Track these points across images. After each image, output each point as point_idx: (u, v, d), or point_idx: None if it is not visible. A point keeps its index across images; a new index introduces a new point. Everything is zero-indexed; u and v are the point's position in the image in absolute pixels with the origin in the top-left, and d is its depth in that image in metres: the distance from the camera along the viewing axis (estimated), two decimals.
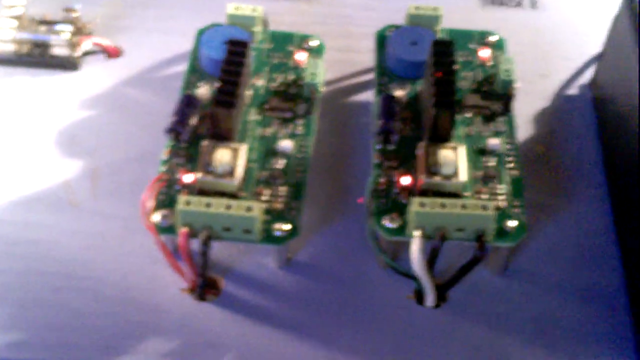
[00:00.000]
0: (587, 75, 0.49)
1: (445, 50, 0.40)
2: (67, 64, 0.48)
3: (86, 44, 0.48)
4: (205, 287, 0.39)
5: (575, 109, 0.47)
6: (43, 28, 0.48)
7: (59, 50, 0.48)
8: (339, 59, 0.49)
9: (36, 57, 0.48)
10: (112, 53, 0.49)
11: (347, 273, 0.40)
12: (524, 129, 0.46)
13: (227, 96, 0.39)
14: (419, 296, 0.39)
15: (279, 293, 0.39)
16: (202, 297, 0.39)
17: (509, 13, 0.53)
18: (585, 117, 0.47)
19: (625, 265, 0.40)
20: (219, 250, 0.40)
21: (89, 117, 0.46)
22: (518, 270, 0.41)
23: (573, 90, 0.48)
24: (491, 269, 0.40)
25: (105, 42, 0.49)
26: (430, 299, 0.38)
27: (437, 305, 0.39)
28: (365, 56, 0.48)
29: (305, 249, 0.41)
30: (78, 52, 0.48)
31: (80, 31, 0.49)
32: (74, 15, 0.48)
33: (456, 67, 0.40)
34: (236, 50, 0.41)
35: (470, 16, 0.52)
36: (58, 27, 0.48)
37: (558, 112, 0.47)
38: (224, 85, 0.40)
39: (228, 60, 0.41)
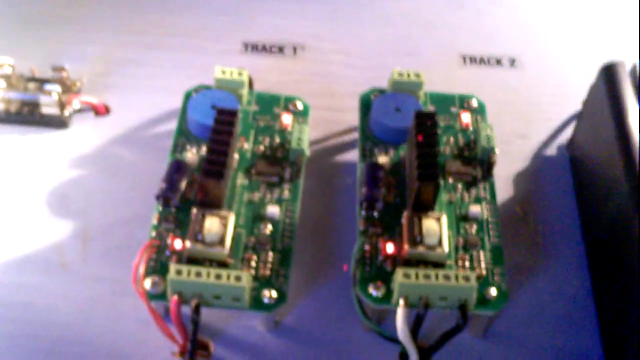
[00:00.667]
0: (565, 135, 0.51)
1: (428, 122, 0.42)
2: (57, 123, 0.49)
3: (75, 103, 0.49)
4: (195, 351, 0.40)
5: (553, 169, 0.49)
6: (32, 85, 0.49)
7: (48, 109, 0.48)
8: (324, 118, 0.50)
9: (25, 115, 0.49)
10: (101, 111, 0.50)
11: (334, 337, 0.41)
12: (502, 190, 0.47)
13: (216, 166, 0.40)
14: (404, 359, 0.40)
15: (267, 356, 0.40)
16: None
17: (488, 72, 0.55)
18: (563, 177, 0.48)
19: (601, 329, 0.42)
20: (209, 314, 0.41)
21: (79, 176, 0.47)
22: (498, 333, 0.42)
23: (551, 151, 0.50)
24: (472, 332, 0.41)
25: (93, 100, 0.50)
26: None
27: None
28: (349, 115, 0.49)
29: (292, 312, 0.42)
30: (67, 111, 0.49)
31: (69, 89, 0.50)
32: (63, 74, 0.49)
33: (438, 132, 0.41)
34: (224, 119, 0.42)
35: (450, 74, 0.54)
36: (47, 86, 0.48)
37: (536, 173, 0.49)
38: (213, 155, 0.41)
39: (216, 130, 0.42)
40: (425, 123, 0.42)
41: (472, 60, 0.55)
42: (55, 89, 0.48)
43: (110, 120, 0.50)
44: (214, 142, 0.41)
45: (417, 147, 0.41)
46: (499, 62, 0.55)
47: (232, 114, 0.42)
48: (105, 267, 0.43)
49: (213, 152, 0.41)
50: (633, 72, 0.44)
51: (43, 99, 0.48)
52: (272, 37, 0.56)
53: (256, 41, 0.55)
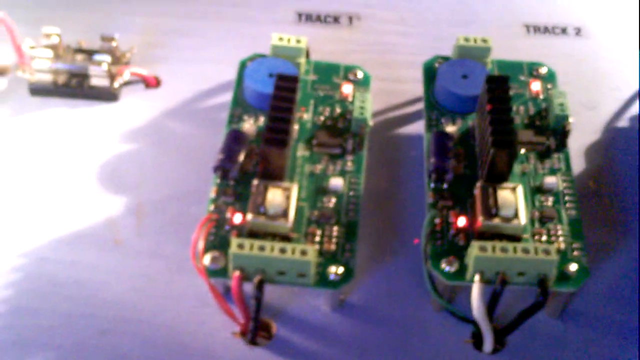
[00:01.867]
0: (637, 106, 0.48)
1: (501, 87, 0.39)
2: (107, 95, 0.47)
3: (125, 74, 0.47)
4: (257, 331, 0.38)
5: (625, 142, 0.46)
6: (80, 57, 0.47)
7: (98, 81, 0.47)
8: (384, 88, 0.48)
9: (74, 87, 0.47)
10: (151, 83, 0.48)
11: (402, 316, 0.39)
12: (573, 165, 0.45)
13: (278, 134, 0.38)
14: (477, 340, 0.38)
15: (332, 337, 0.38)
16: (253, 342, 0.38)
17: (553, 41, 0.52)
18: (636, 150, 0.46)
19: None
20: (270, 292, 0.39)
21: (131, 150, 0.45)
22: (577, 313, 0.40)
23: (622, 123, 0.47)
24: (549, 311, 0.39)
25: (144, 72, 0.48)
26: (488, 344, 0.37)
27: (496, 350, 0.38)
28: (410, 86, 0.47)
29: (358, 290, 0.40)
30: (117, 83, 0.47)
31: (118, 61, 0.48)
32: (112, 44, 0.47)
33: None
34: (285, 85, 0.40)
35: (514, 44, 0.52)
36: (97, 57, 0.46)
37: (607, 146, 0.46)
38: (275, 123, 0.39)
39: (278, 96, 0.40)
40: (498, 88, 0.39)
41: (536, 29, 0.53)
42: (104, 59, 0.46)
43: (161, 92, 0.48)
44: (275, 109, 0.39)
45: (490, 113, 0.39)
46: (564, 31, 0.53)
47: (294, 80, 0.40)
48: (160, 243, 0.41)
49: (275, 119, 0.39)
50: None
51: (92, 70, 0.46)
52: (326, 7, 0.53)
53: (310, 10, 0.53)
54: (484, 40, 0.44)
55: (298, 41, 0.45)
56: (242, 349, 0.38)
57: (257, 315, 0.37)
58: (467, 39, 0.44)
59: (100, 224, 0.42)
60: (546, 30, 0.53)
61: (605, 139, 0.47)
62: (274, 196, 0.38)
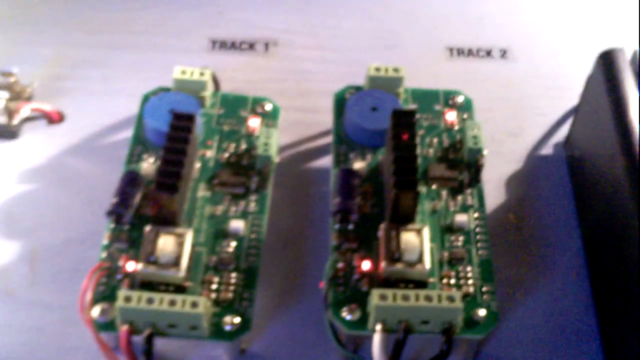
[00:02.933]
0: (562, 132, 0.46)
1: (406, 122, 0.37)
2: (5, 133, 0.45)
3: (25, 110, 0.45)
4: None
5: (549, 170, 0.44)
6: None
7: None
8: (297, 119, 0.46)
9: None
10: (54, 118, 0.46)
11: None
12: (493, 195, 0.43)
13: (169, 179, 0.36)
14: None
15: None
16: None
17: (477, 64, 0.50)
18: (560, 179, 0.44)
19: (604, 348, 0.37)
20: (168, 343, 0.37)
21: (29, 191, 0.43)
22: (490, 356, 0.38)
23: (546, 150, 0.45)
24: (461, 356, 0.37)
25: (46, 106, 0.46)
26: None
27: None
28: (325, 116, 0.45)
29: (260, 339, 0.38)
30: (16, 120, 0.45)
31: (18, 96, 0.45)
32: (11, 80, 0.45)
33: (421, 132, 0.37)
34: (180, 125, 0.38)
35: (435, 68, 0.49)
36: None
37: (530, 175, 0.44)
38: (166, 166, 0.37)
39: (171, 137, 0.37)
40: (404, 123, 0.37)
41: (460, 52, 0.51)
42: (1, 95, 0.44)
43: (64, 128, 0.46)
44: (168, 151, 0.37)
45: (393, 151, 0.37)
46: (489, 53, 0.51)
47: (189, 118, 0.38)
48: (54, 292, 0.39)
49: (167, 162, 0.37)
50: (634, 59, 0.40)
51: None
52: (241, 33, 0.51)
53: (224, 37, 0.51)
54: (396, 70, 0.42)
55: (201, 74, 0.42)
56: None
57: None
58: (377, 69, 0.42)
59: None
60: (470, 53, 0.51)
61: (528, 167, 0.45)
62: (166, 244, 0.36)
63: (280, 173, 0.42)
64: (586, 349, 0.38)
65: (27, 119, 0.45)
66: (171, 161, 0.37)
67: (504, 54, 0.51)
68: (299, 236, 0.41)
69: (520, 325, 0.39)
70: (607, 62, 0.39)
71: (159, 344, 0.35)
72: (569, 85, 0.48)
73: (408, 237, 0.36)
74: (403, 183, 0.36)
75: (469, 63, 0.50)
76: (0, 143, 0.45)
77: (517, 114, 0.47)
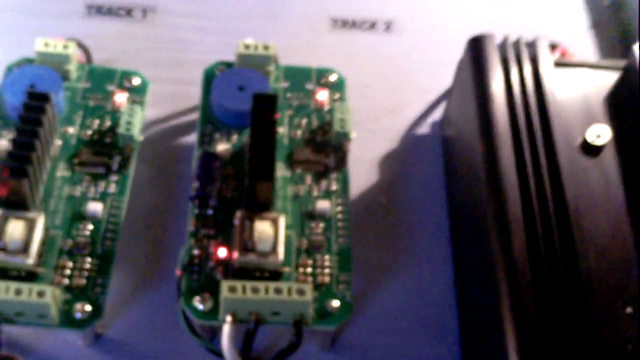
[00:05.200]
0: (440, 112, 0.46)
1: (266, 106, 0.37)
2: None
3: None
4: None
5: (425, 151, 0.44)
6: None
7: None
8: (170, 92, 0.45)
9: None
10: None
11: (162, 351, 0.37)
12: (365, 177, 0.43)
13: (19, 162, 0.35)
14: None
15: None
16: None
17: (360, 36, 0.49)
18: (435, 160, 0.44)
19: (462, 333, 0.38)
20: (18, 329, 0.36)
21: None
22: (349, 344, 0.38)
23: (423, 129, 0.45)
24: (319, 344, 0.37)
25: None
26: None
27: None
28: (199, 91, 0.44)
29: (115, 323, 0.37)
30: None
31: None
32: None
33: (289, 112, 0.36)
34: (34, 105, 0.37)
35: (317, 39, 0.48)
36: None
37: (406, 155, 0.44)
38: (17, 149, 0.35)
39: (23, 118, 0.36)
40: (264, 107, 0.37)
41: (344, 23, 0.50)
42: None
43: None
44: (20, 132, 0.36)
45: (251, 137, 0.36)
46: (373, 26, 0.50)
47: (45, 98, 0.37)
48: None
49: (18, 145, 0.36)
50: (503, 45, 0.39)
51: None
52: None
53: (101, 2, 0.49)
54: (266, 47, 0.41)
55: (65, 46, 0.41)
56: None
57: None
58: (247, 46, 0.41)
59: None
60: (354, 25, 0.49)
61: (404, 147, 0.44)
62: (14, 229, 0.35)
63: (146, 149, 0.41)
64: (446, 337, 0.38)
65: None
66: (22, 144, 0.35)
67: (388, 26, 0.50)
68: (162, 218, 0.40)
69: (382, 312, 0.39)
70: (475, 47, 0.39)
71: (12, 330, 0.34)
72: (453, 62, 0.47)
73: (262, 227, 0.35)
74: (258, 172, 0.35)
75: (353, 35, 0.49)
76: None
77: (398, 90, 0.47)
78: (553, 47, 0.40)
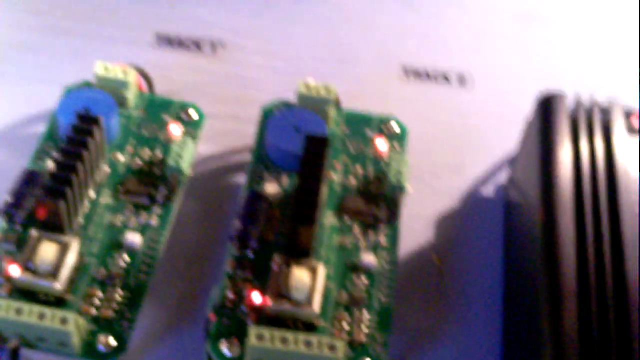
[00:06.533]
0: (505, 174, 0.43)
1: (318, 149, 0.35)
2: None
3: None
4: None
5: (485, 213, 0.42)
6: None
7: None
8: (227, 129, 0.44)
9: None
10: None
11: None
12: (420, 233, 0.40)
13: (59, 184, 0.34)
14: None
15: None
16: None
17: (432, 88, 0.47)
18: (495, 225, 0.41)
19: None
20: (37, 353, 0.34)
21: None
22: None
23: (487, 191, 0.43)
24: None
25: None
26: None
27: None
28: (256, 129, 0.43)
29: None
30: None
31: None
32: None
33: (337, 165, 0.35)
34: (82, 127, 0.36)
35: (386, 87, 0.47)
36: None
37: (464, 216, 0.42)
38: (59, 170, 0.34)
39: (71, 139, 0.35)
40: (315, 150, 0.35)
41: (415, 73, 0.48)
42: None
43: None
44: (64, 153, 0.35)
45: (299, 179, 0.34)
46: (446, 78, 0.48)
47: (93, 121, 0.36)
48: None
49: (60, 166, 0.35)
50: (575, 107, 0.37)
51: None
52: (190, 30, 0.49)
53: (171, 33, 0.48)
54: (327, 89, 0.40)
55: (125, 72, 0.40)
56: None
57: None
58: (307, 86, 0.40)
59: None
60: (426, 75, 0.48)
61: (464, 208, 0.42)
62: (47, 251, 0.34)
63: (196, 185, 0.40)
64: None
65: None
66: (65, 165, 0.35)
67: (462, 80, 0.48)
68: (201, 256, 0.39)
69: None
70: (544, 109, 0.37)
71: (30, 355, 0.33)
72: (524, 120, 0.45)
73: (300, 274, 0.33)
74: (300, 216, 0.33)
75: (422, 86, 0.47)
76: None
77: (463, 147, 0.44)
78: (628, 114, 0.38)
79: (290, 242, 0.34)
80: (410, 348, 0.37)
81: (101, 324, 0.34)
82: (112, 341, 0.33)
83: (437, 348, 0.37)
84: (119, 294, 0.35)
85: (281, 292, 0.33)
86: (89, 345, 0.33)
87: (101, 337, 0.33)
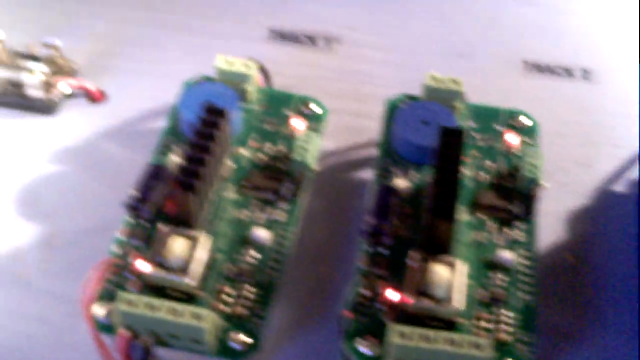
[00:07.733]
0: (637, 169, 0.42)
1: (454, 142, 0.34)
2: (42, 108, 0.43)
3: (63, 86, 0.43)
4: None
5: (619, 209, 0.40)
6: (21, 63, 0.43)
7: (34, 91, 0.42)
8: (348, 124, 0.43)
9: (10, 96, 0.43)
10: (96, 97, 0.44)
11: None
12: (551, 231, 0.39)
13: (189, 177, 0.33)
14: None
15: None
16: None
17: (555, 83, 0.46)
18: (629, 221, 0.39)
19: None
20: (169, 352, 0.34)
21: (57, 172, 0.41)
22: None
23: (618, 187, 0.41)
24: None
25: (88, 84, 0.43)
26: None
27: None
28: (379, 124, 0.41)
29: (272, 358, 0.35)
30: (55, 95, 0.43)
31: (60, 70, 0.43)
32: (52, 51, 0.43)
33: (467, 159, 0.33)
34: (210, 120, 0.35)
35: (507, 81, 0.45)
36: (30, 64, 0.42)
37: (597, 212, 0.40)
38: (188, 163, 0.34)
39: (198, 132, 0.35)
40: (451, 143, 0.34)
41: (537, 68, 0.46)
42: (39, 67, 0.42)
43: (105, 109, 0.43)
44: (192, 147, 0.34)
45: (436, 172, 0.33)
46: (569, 72, 0.46)
47: (220, 113, 0.35)
48: (65, 282, 0.36)
49: (189, 159, 0.34)
50: None
51: (26, 78, 0.42)
52: (303, 26, 0.48)
53: (285, 28, 0.48)
54: (455, 82, 0.38)
55: (247, 66, 0.39)
56: None
57: None
58: (435, 78, 0.38)
59: (7, 253, 0.37)
60: (548, 69, 0.46)
61: (596, 204, 0.40)
62: (177, 246, 0.33)
63: (321, 181, 0.39)
64: None
65: (69, 96, 0.43)
66: (194, 158, 0.34)
67: (585, 74, 0.46)
68: (329, 253, 0.38)
69: None
70: None
71: (162, 353, 0.33)
72: None
73: (439, 271, 0.32)
74: (440, 209, 0.32)
75: (544, 80, 0.46)
76: (38, 118, 0.43)
77: (592, 143, 0.43)
78: None
79: (429, 237, 0.33)
80: (552, 349, 0.35)
81: (234, 322, 0.33)
82: (248, 339, 0.32)
83: (578, 350, 0.35)
84: (249, 291, 0.34)
85: (420, 289, 0.32)
86: (222, 343, 0.32)
87: (235, 336, 0.32)
